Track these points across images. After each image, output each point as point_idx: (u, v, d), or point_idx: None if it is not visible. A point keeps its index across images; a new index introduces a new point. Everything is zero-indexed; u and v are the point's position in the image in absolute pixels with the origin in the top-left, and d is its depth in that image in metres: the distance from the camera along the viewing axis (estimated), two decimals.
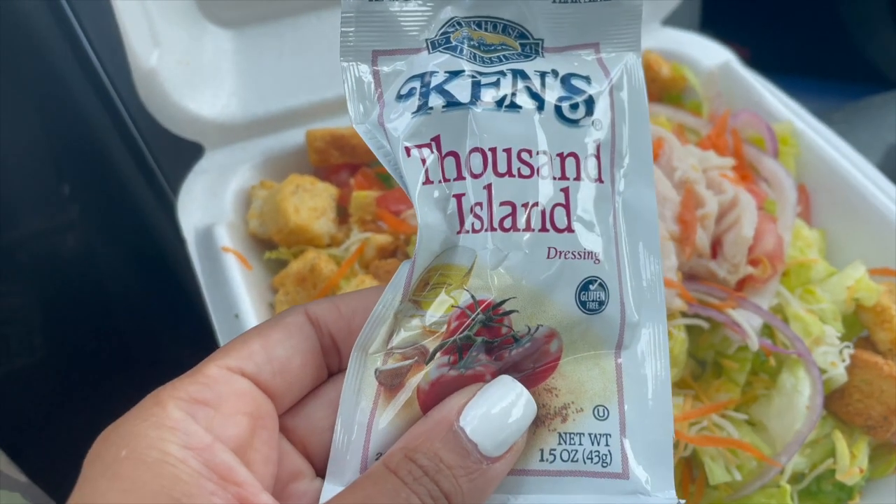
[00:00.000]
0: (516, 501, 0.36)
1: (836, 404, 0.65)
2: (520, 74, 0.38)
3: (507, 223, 0.36)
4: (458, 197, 0.36)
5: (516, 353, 0.36)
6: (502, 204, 0.36)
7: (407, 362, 0.36)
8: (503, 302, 0.36)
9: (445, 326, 0.36)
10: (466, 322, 0.36)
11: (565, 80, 0.39)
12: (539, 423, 0.36)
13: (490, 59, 0.39)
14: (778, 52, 1.28)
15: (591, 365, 0.37)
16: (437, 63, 0.38)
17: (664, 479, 0.36)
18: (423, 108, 0.37)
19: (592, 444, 0.36)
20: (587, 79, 0.39)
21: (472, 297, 0.36)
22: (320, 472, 0.38)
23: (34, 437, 0.79)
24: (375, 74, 0.39)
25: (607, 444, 0.36)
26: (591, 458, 0.36)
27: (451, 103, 0.37)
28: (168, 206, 0.77)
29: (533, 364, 0.37)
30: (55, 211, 0.79)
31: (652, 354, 0.38)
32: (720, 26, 1.03)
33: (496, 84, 0.38)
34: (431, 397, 0.36)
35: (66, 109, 0.75)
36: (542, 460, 0.36)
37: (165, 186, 0.79)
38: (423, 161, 0.37)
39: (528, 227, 0.36)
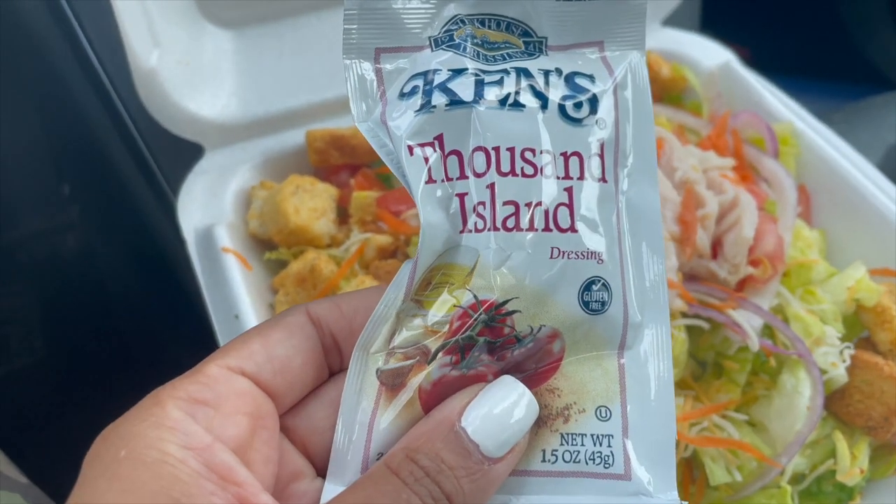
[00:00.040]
0: (518, 502, 0.36)
1: (837, 405, 0.65)
2: (523, 73, 0.38)
3: (511, 223, 0.36)
4: (461, 196, 0.36)
5: (518, 353, 0.36)
6: (505, 203, 0.36)
7: (409, 362, 0.36)
8: (506, 302, 0.36)
9: (447, 326, 0.36)
10: (469, 322, 0.36)
11: (569, 79, 0.39)
12: (541, 423, 0.36)
13: (493, 57, 0.39)
14: (778, 53, 1.28)
15: (593, 365, 0.37)
16: (441, 61, 0.38)
17: (666, 480, 0.36)
18: (426, 106, 0.37)
19: (595, 444, 0.36)
20: (591, 77, 0.39)
21: (475, 296, 0.36)
22: (321, 472, 0.38)
23: (34, 437, 0.79)
24: (378, 72, 0.39)
25: (609, 445, 0.36)
26: (594, 459, 0.36)
27: (455, 102, 0.37)
28: (168, 206, 0.77)
29: (535, 364, 0.36)
30: (55, 211, 0.79)
31: (655, 355, 0.38)
32: (720, 26, 1.03)
33: (500, 82, 0.38)
34: (433, 397, 0.35)
35: (66, 110, 0.75)
36: (543, 461, 0.36)
37: (165, 187, 0.79)
38: (426, 160, 0.37)
39: (531, 227, 0.36)
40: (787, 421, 0.63)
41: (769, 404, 0.64)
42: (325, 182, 0.76)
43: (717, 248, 0.66)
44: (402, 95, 0.38)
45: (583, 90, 0.39)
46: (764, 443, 0.63)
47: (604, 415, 0.37)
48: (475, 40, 0.39)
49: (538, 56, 0.39)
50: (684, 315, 0.63)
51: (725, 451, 0.61)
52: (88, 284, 0.84)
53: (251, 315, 0.65)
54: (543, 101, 0.38)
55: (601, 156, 0.38)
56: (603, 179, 0.38)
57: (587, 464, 0.36)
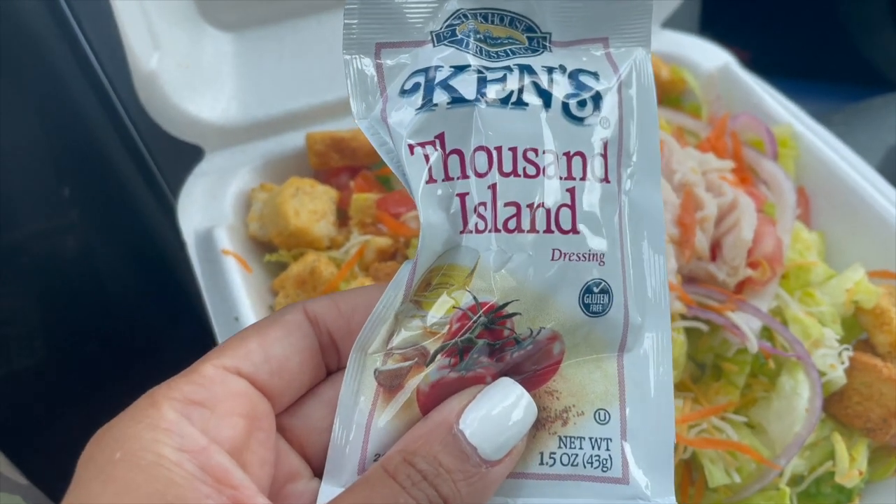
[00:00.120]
0: None
1: (836, 407, 0.65)
2: (527, 70, 0.38)
3: (512, 224, 0.36)
4: (462, 196, 0.36)
5: (518, 355, 0.36)
6: (507, 204, 0.36)
7: (407, 363, 0.36)
8: (506, 304, 0.35)
9: (446, 328, 0.36)
10: (468, 324, 0.35)
11: (573, 76, 0.38)
12: (539, 426, 0.36)
13: (496, 53, 0.38)
14: (778, 54, 1.28)
15: (593, 368, 0.37)
16: (442, 57, 0.38)
17: (664, 484, 0.36)
18: (427, 104, 0.36)
19: (593, 448, 0.36)
20: (595, 75, 0.38)
21: (475, 298, 0.35)
22: (318, 473, 0.38)
23: (34, 439, 0.79)
24: (379, 68, 0.38)
25: (608, 449, 0.36)
26: (592, 463, 0.36)
27: (456, 100, 0.36)
28: (168, 208, 0.77)
29: (534, 366, 0.36)
30: (55, 213, 0.79)
31: (655, 357, 0.38)
32: (720, 28, 1.04)
33: (502, 80, 0.37)
34: (431, 399, 0.35)
35: (67, 111, 0.75)
36: (541, 464, 0.36)
37: (165, 189, 0.79)
38: (427, 159, 0.36)
39: (532, 229, 0.36)
40: (785, 423, 0.63)
41: (768, 406, 0.64)
42: (325, 184, 0.76)
43: (715, 250, 0.66)
44: (403, 92, 0.37)
45: (587, 88, 0.38)
46: (763, 444, 0.63)
47: (602, 418, 0.36)
48: (478, 36, 0.38)
49: (542, 52, 0.39)
50: (683, 317, 0.63)
51: (724, 452, 0.62)
52: (88, 286, 0.84)
53: (251, 317, 0.66)
54: (547, 99, 0.37)
55: (604, 155, 0.38)
56: (606, 180, 0.37)
57: (585, 467, 0.36)
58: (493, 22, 0.39)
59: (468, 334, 0.35)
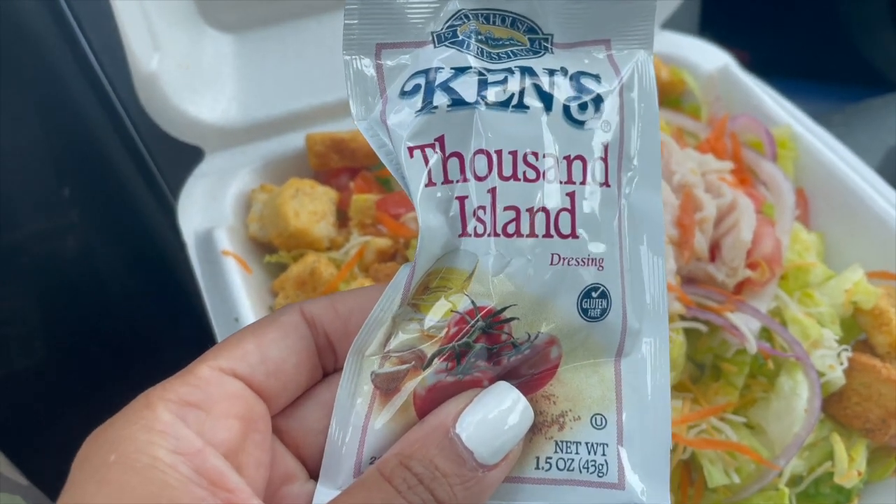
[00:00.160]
0: None
1: (834, 407, 0.65)
2: (528, 72, 0.37)
3: (511, 228, 0.35)
4: (461, 199, 0.36)
5: (515, 359, 0.36)
6: (506, 209, 0.35)
7: (404, 367, 0.36)
8: (504, 309, 0.35)
9: (444, 331, 0.35)
10: (466, 328, 0.35)
11: (574, 79, 0.38)
12: (536, 430, 0.36)
13: (498, 54, 0.38)
14: (778, 55, 1.28)
15: (590, 372, 0.37)
16: (443, 58, 0.37)
17: (660, 489, 0.36)
18: (427, 106, 0.36)
19: (589, 453, 0.36)
20: (597, 77, 0.38)
21: (473, 302, 0.35)
22: (313, 475, 0.38)
23: (35, 439, 0.79)
24: (379, 69, 0.38)
25: (604, 454, 0.36)
26: (587, 468, 0.36)
27: (457, 102, 0.36)
28: (168, 209, 0.77)
29: (531, 370, 0.36)
30: (55, 213, 0.79)
31: (652, 363, 0.38)
32: (719, 29, 1.04)
33: (503, 82, 0.37)
34: (428, 403, 0.35)
35: (67, 112, 0.75)
36: (537, 468, 0.36)
37: (166, 190, 0.79)
38: (426, 162, 0.36)
39: (531, 233, 0.35)
40: (784, 423, 0.63)
41: (767, 407, 0.64)
42: (325, 185, 0.76)
43: (715, 251, 0.67)
44: (404, 94, 0.37)
45: (588, 90, 0.38)
46: (762, 445, 0.63)
47: (599, 423, 0.36)
48: (479, 37, 0.38)
49: (543, 54, 0.38)
50: (682, 318, 0.63)
51: (723, 453, 0.62)
52: (88, 287, 0.84)
53: (251, 318, 0.66)
54: (548, 102, 0.37)
55: (605, 159, 0.37)
56: (606, 184, 0.37)
57: (581, 472, 0.36)
58: (494, 23, 0.38)
59: (466, 338, 0.35)
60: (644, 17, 0.39)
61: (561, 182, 0.36)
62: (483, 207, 0.36)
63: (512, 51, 0.38)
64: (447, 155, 0.36)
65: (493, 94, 0.36)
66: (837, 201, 0.76)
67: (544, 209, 0.36)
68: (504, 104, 0.36)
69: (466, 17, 0.38)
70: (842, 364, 0.64)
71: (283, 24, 0.82)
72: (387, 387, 0.36)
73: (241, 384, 0.36)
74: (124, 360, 0.87)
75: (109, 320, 0.87)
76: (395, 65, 0.38)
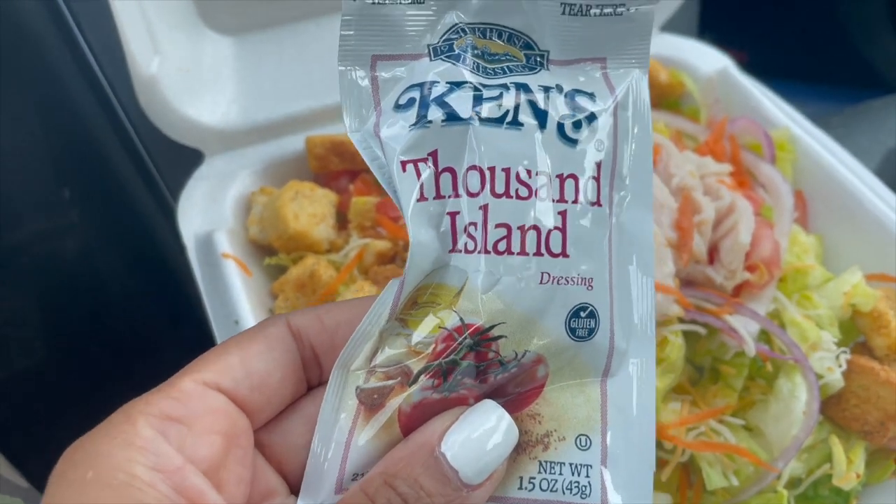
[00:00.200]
0: None
1: (833, 409, 0.65)
2: (523, 88, 0.37)
3: (502, 246, 0.35)
4: (453, 215, 0.35)
5: (502, 377, 0.35)
6: (498, 226, 0.35)
7: (389, 382, 0.35)
8: (492, 327, 0.35)
9: (431, 347, 0.35)
10: (453, 346, 0.35)
11: (569, 97, 0.38)
12: (520, 449, 0.36)
13: (493, 69, 0.38)
14: (777, 57, 1.28)
15: (576, 392, 0.37)
16: (439, 72, 0.37)
17: None
18: (421, 120, 0.36)
19: (573, 474, 0.36)
20: (591, 95, 0.38)
21: (461, 319, 0.35)
22: (294, 490, 0.37)
23: (34, 441, 0.79)
24: (374, 80, 0.37)
25: (587, 476, 0.36)
26: (571, 489, 0.36)
27: (451, 117, 0.36)
28: (168, 211, 0.77)
29: (518, 389, 0.36)
30: (55, 215, 0.79)
31: (638, 384, 0.38)
32: (719, 31, 1.04)
33: (498, 98, 0.36)
34: (413, 420, 0.35)
35: (67, 115, 0.75)
36: (521, 488, 0.36)
37: (165, 192, 0.79)
38: (419, 176, 0.36)
39: (522, 251, 0.35)
40: (783, 425, 0.63)
41: (766, 409, 0.64)
42: (325, 188, 0.76)
43: (713, 253, 0.67)
44: (398, 107, 0.36)
45: (582, 109, 0.38)
46: (760, 447, 0.63)
47: (584, 444, 0.36)
48: (475, 51, 0.38)
49: (539, 70, 0.38)
50: (681, 320, 0.64)
51: (722, 455, 0.62)
52: (88, 288, 0.84)
53: (251, 320, 0.66)
54: (542, 119, 0.37)
55: (597, 178, 0.37)
56: (598, 203, 0.37)
57: (564, 493, 0.36)
58: (491, 38, 0.38)
59: (453, 356, 0.35)
60: (641, 37, 0.39)
61: (553, 200, 0.36)
62: (474, 224, 0.35)
63: (508, 66, 0.38)
64: (440, 170, 0.36)
65: (487, 109, 0.36)
66: (836, 204, 0.76)
67: (536, 227, 0.36)
68: (499, 120, 0.36)
69: (463, 31, 0.38)
70: (840, 366, 0.64)
71: (283, 27, 0.82)
72: (371, 402, 0.35)
73: (225, 398, 0.35)
74: (124, 361, 0.87)
75: (109, 321, 0.87)
76: (390, 77, 0.37)
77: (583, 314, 0.36)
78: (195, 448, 0.33)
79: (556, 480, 0.36)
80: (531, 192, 0.36)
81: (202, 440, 0.33)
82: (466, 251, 0.35)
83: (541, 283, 0.35)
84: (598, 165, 0.37)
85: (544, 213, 0.36)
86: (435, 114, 0.36)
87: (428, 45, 0.38)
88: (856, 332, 0.69)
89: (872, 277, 0.70)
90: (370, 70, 0.37)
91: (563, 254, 0.36)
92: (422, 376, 0.35)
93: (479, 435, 0.34)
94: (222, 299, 0.68)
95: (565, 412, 0.36)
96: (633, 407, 0.37)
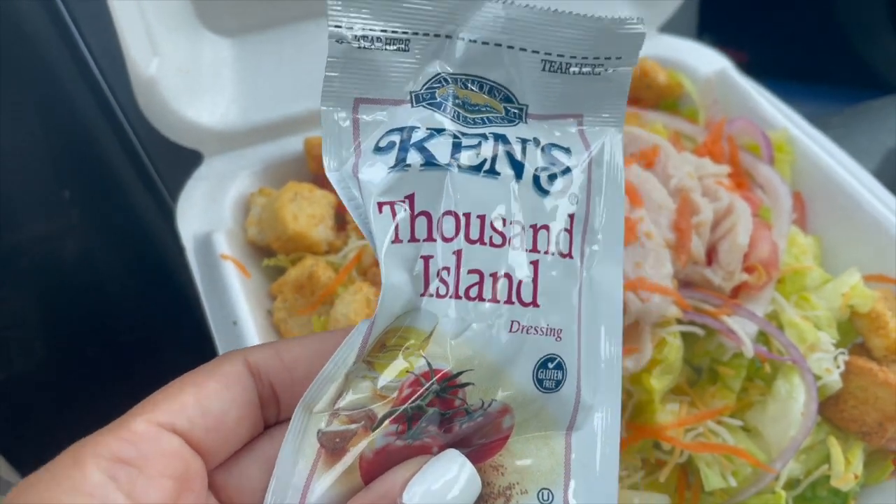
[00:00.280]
0: None
1: (831, 411, 0.66)
2: (501, 139, 0.37)
3: (473, 292, 0.35)
4: (426, 259, 0.35)
5: (467, 426, 0.35)
6: (470, 272, 0.35)
7: (353, 426, 0.35)
8: (460, 374, 0.35)
9: (397, 392, 0.34)
10: (420, 391, 0.34)
11: (546, 150, 0.38)
12: (482, 501, 0.35)
13: (473, 119, 0.38)
14: (776, 57, 1.28)
15: (540, 445, 0.37)
16: (419, 118, 0.37)
17: None
18: (400, 163, 0.36)
19: None
20: (567, 150, 0.39)
21: (429, 364, 0.34)
22: None
23: (35, 442, 0.79)
24: (355, 122, 0.37)
25: None
26: None
27: (430, 162, 0.36)
28: (167, 212, 0.77)
29: (482, 439, 0.36)
30: (55, 216, 0.80)
31: (602, 438, 0.38)
32: (718, 31, 1.04)
33: (477, 147, 0.37)
34: (375, 467, 0.34)
35: (66, 116, 0.75)
36: None
37: (164, 193, 0.79)
38: (394, 217, 0.36)
39: (493, 298, 0.35)
40: (781, 426, 0.63)
41: (764, 410, 0.64)
42: (324, 189, 0.76)
43: (711, 254, 0.67)
44: (378, 150, 0.37)
45: (558, 163, 0.38)
46: (759, 448, 0.63)
47: (546, 497, 0.36)
48: (456, 100, 0.38)
49: (517, 123, 0.39)
50: (679, 321, 0.64)
51: (720, 456, 0.62)
52: (88, 290, 0.84)
53: (249, 321, 0.66)
54: (518, 170, 0.37)
55: (570, 231, 0.38)
56: (569, 255, 0.38)
57: None
58: (472, 89, 0.39)
59: (419, 401, 0.34)
60: (618, 96, 0.40)
61: (526, 250, 0.36)
62: (447, 268, 0.35)
63: (487, 117, 0.39)
64: (416, 213, 0.36)
65: (466, 157, 0.36)
66: (834, 205, 0.76)
67: (508, 275, 0.36)
68: (476, 168, 0.36)
69: (445, 80, 0.38)
70: (838, 367, 0.64)
71: (282, 28, 0.82)
72: (333, 446, 0.35)
73: (179, 440, 0.34)
74: (124, 362, 0.87)
75: (109, 322, 0.87)
76: (371, 120, 0.38)
77: (550, 365, 0.36)
78: (146, 492, 0.32)
79: None
80: (505, 240, 0.36)
81: (153, 484, 0.32)
82: (438, 295, 0.35)
83: (510, 331, 0.36)
84: (571, 218, 0.38)
85: (517, 261, 0.36)
86: (414, 158, 0.36)
87: (410, 92, 0.38)
88: (854, 333, 0.69)
89: (871, 278, 0.70)
90: (352, 112, 0.38)
91: (534, 303, 0.36)
92: (386, 421, 0.34)
93: (440, 486, 0.33)
94: (221, 300, 0.68)
95: (529, 465, 0.36)
96: (597, 461, 0.37)
